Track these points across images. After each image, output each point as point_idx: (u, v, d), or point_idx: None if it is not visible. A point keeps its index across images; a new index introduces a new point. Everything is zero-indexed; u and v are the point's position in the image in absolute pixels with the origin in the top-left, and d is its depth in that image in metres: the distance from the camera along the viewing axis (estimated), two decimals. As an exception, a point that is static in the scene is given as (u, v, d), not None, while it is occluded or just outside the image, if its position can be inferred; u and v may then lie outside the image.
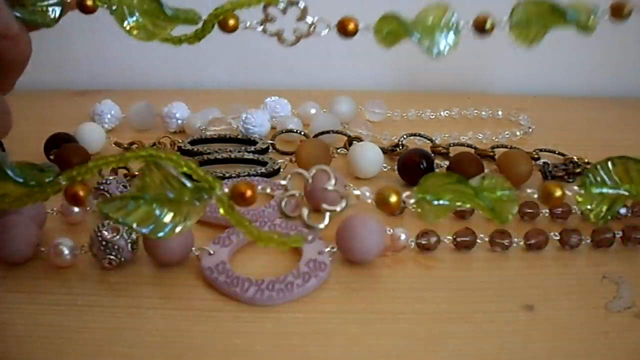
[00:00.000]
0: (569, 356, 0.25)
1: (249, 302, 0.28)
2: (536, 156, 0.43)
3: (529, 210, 0.35)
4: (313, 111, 0.50)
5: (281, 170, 0.42)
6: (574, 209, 0.35)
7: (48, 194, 0.24)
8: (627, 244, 0.33)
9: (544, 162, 0.41)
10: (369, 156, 0.40)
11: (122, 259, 0.30)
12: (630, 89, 0.61)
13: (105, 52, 0.61)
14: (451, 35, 0.27)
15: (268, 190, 0.23)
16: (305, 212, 0.22)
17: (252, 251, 0.32)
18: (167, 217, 0.23)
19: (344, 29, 0.27)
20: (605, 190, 0.24)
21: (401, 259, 0.32)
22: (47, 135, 0.42)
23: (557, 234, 0.33)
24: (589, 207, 0.24)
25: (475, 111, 0.53)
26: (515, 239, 0.32)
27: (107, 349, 0.25)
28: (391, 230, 0.32)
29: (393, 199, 0.23)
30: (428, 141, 0.46)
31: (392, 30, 0.27)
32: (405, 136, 0.45)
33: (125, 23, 0.27)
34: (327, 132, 0.45)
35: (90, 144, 0.43)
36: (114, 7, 0.27)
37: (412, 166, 0.39)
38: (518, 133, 0.49)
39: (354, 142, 0.44)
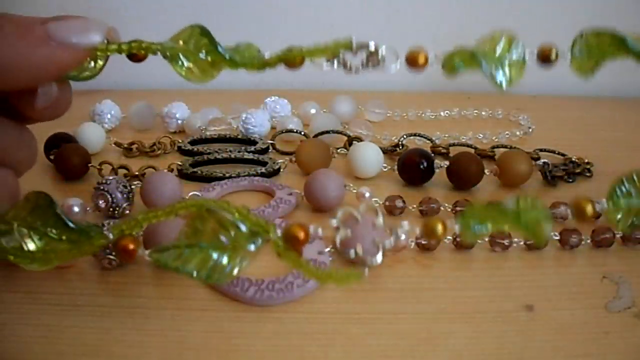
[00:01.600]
0: (569, 356, 0.25)
1: (249, 302, 0.28)
2: (536, 156, 0.44)
3: (529, 210, 0.35)
4: (313, 111, 0.50)
5: (281, 170, 0.42)
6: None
7: (95, 247, 0.23)
8: (627, 244, 0.33)
9: (544, 162, 0.41)
10: (369, 156, 0.40)
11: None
12: (630, 89, 0.61)
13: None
14: (518, 65, 0.28)
15: (320, 232, 0.23)
16: (360, 249, 0.22)
17: (252, 251, 0.32)
18: (224, 260, 0.22)
19: (414, 62, 0.28)
20: (633, 201, 0.25)
21: (401, 259, 0.32)
22: (47, 135, 0.42)
23: (557, 234, 0.33)
24: (617, 217, 0.26)
25: (475, 111, 0.53)
26: (515, 239, 0.32)
27: (107, 349, 0.25)
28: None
29: (439, 229, 0.23)
30: (428, 141, 0.46)
31: (463, 61, 0.28)
32: (405, 136, 0.45)
33: (181, 68, 0.27)
34: (327, 132, 0.45)
35: (90, 144, 0.43)
36: (167, 53, 0.26)
37: (412, 166, 0.39)
38: (518, 133, 0.49)
39: (354, 142, 0.44)
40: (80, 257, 0.23)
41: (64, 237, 0.23)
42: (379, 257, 0.23)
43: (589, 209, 0.24)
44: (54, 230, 0.23)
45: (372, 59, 0.27)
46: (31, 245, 0.23)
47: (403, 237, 0.31)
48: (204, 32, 0.26)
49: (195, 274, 0.22)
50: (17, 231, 0.23)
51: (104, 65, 0.27)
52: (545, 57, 0.28)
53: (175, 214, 0.23)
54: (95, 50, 0.25)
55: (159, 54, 0.26)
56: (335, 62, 0.27)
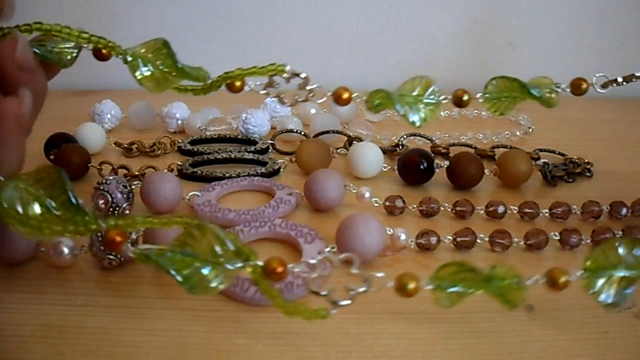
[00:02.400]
0: (569, 356, 0.25)
1: (249, 302, 0.28)
2: (536, 156, 0.44)
3: (529, 210, 0.35)
4: (313, 111, 0.50)
5: (281, 170, 0.42)
6: (574, 208, 0.35)
7: (87, 230, 0.24)
8: (627, 244, 0.33)
9: (544, 162, 0.41)
10: (369, 156, 0.40)
11: (122, 259, 0.30)
12: (630, 89, 0.61)
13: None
14: (432, 107, 0.31)
15: (296, 270, 0.24)
16: (329, 291, 0.24)
17: (252, 251, 0.32)
18: (206, 271, 0.23)
19: (339, 98, 0.30)
20: (611, 272, 0.25)
21: (401, 259, 0.32)
22: (47, 135, 0.42)
23: (557, 234, 0.33)
24: (594, 290, 0.25)
25: (475, 111, 0.53)
26: (515, 239, 0.32)
27: (107, 349, 0.25)
28: (391, 230, 0.32)
29: (411, 286, 0.24)
30: (428, 141, 0.46)
31: (381, 102, 0.30)
32: (405, 136, 0.45)
33: (138, 73, 0.28)
34: (327, 132, 0.45)
35: (90, 144, 0.43)
36: (128, 58, 0.28)
37: (412, 166, 0.39)
38: (518, 133, 0.49)
39: (354, 142, 0.44)
40: (70, 235, 0.24)
41: (61, 213, 0.24)
42: (347, 300, 0.24)
43: (562, 280, 0.25)
44: (54, 203, 0.24)
45: (305, 94, 0.30)
46: (30, 210, 0.23)
47: (403, 237, 0.32)
48: (166, 44, 0.28)
49: (173, 272, 0.23)
50: (23, 192, 0.24)
51: (76, 56, 0.29)
52: (457, 101, 0.31)
53: (170, 225, 0.24)
54: (65, 32, 0.28)
55: (120, 56, 0.28)
56: (272, 94, 0.29)
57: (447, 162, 0.40)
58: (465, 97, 0.30)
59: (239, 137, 0.46)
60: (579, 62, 0.61)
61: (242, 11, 0.60)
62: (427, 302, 0.28)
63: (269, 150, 0.45)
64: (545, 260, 0.32)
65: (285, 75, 0.29)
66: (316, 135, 0.45)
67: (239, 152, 0.43)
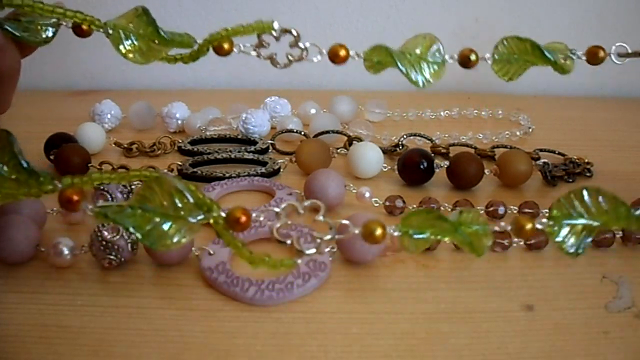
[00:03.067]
0: (569, 356, 0.25)
1: (249, 302, 0.28)
2: (536, 156, 0.44)
3: (529, 210, 0.35)
4: (313, 111, 0.50)
5: (281, 170, 0.42)
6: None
7: (42, 191, 0.24)
8: (627, 244, 0.33)
9: (544, 162, 0.41)
10: (369, 156, 0.40)
11: (122, 259, 0.30)
12: (630, 89, 0.61)
13: (105, 52, 0.61)
14: (436, 66, 0.29)
15: (262, 218, 0.23)
16: (296, 238, 0.23)
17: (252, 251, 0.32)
18: (166, 226, 0.23)
19: (336, 55, 0.29)
20: (575, 222, 0.25)
21: (401, 259, 0.32)
22: (47, 135, 0.42)
23: (557, 234, 0.33)
24: (559, 239, 0.25)
25: (475, 111, 0.53)
26: (515, 239, 0.32)
27: (107, 349, 0.25)
28: (391, 230, 0.32)
29: (378, 232, 0.24)
30: (428, 141, 0.46)
31: (381, 60, 0.28)
32: (405, 136, 0.45)
33: (121, 46, 0.27)
34: (327, 132, 0.45)
35: (90, 144, 0.43)
36: (110, 31, 0.27)
37: (412, 166, 0.39)
38: (518, 133, 0.49)
39: (354, 142, 0.44)
40: (26, 198, 0.23)
41: (14, 176, 0.24)
42: (312, 249, 0.23)
43: (528, 226, 0.25)
44: (5, 168, 0.24)
45: (297, 52, 0.28)
46: None
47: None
48: (145, 12, 0.27)
49: (132, 229, 0.23)
50: None
51: (54, 35, 0.28)
52: (464, 60, 0.29)
53: (129, 180, 0.24)
54: (37, 7, 0.26)
55: (101, 30, 0.27)
56: (263, 53, 0.28)
57: (447, 162, 0.40)
58: (473, 57, 0.29)
59: (239, 137, 0.46)
60: (579, 62, 0.61)
61: (242, 11, 0.60)
62: (428, 302, 0.28)
63: (269, 150, 0.45)
64: (545, 260, 0.32)
65: (274, 33, 0.28)
66: (316, 135, 0.45)
67: (239, 152, 0.43)
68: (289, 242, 0.23)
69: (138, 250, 0.31)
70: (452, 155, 0.41)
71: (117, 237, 0.29)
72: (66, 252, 0.30)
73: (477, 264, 0.32)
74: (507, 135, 0.48)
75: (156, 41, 0.27)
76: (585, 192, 0.25)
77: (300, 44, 0.28)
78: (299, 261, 0.23)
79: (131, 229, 0.23)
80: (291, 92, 0.53)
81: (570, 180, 0.41)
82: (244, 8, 0.60)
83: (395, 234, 0.24)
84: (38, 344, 0.25)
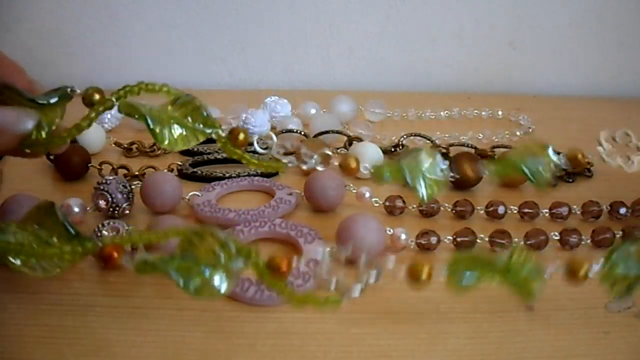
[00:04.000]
0: (569, 356, 0.25)
1: (249, 302, 0.28)
2: (536, 156, 0.43)
3: (529, 210, 0.35)
4: (313, 111, 0.50)
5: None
6: (574, 208, 0.35)
7: (87, 253, 0.24)
8: (627, 244, 0.33)
9: (544, 162, 0.41)
10: (369, 156, 0.40)
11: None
12: (630, 89, 0.61)
13: (105, 52, 0.61)
14: (439, 182, 0.30)
15: (302, 267, 0.25)
16: (335, 282, 0.23)
17: (252, 251, 0.32)
18: (207, 273, 0.23)
19: (348, 169, 0.30)
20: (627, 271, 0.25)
21: (401, 259, 0.32)
22: (47, 135, 0.42)
23: (557, 234, 0.33)
24: (610, 285, 0.25)
25: (475, 111, 0.53)
26: (515, 239, 0.32)
27: (107, 349, 0.25)
28: (391, 230, 0.32)
29: (424, 274, 0.24)
30: (428, 141, 0.46)
31: (390, 173, 0.30)
32: (405, 136, 0.45)
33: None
34: (327, 132, 0.45)
35: (90, 144, 0.43)
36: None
37: (412, 166, 0.39)
38: (518, 133, 0.49)
39: (354, 142, 0.44)
40: (70, 258, 0.24)
41: (60, 244, 0.24)
42: (357, 289, 0.23)
43: (582, 272, 0.25)
44: (55, 239, 0.24)
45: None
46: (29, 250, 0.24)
47: (403, 237, 0.32)
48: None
49: (175, 276, 0.23)
50: (20, 235, 0.24)
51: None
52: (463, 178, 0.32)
53: (166, 238, 0.24)
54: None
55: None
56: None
57: (446, 162, 0.39)
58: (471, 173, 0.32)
59: (239, 137, 0.46)
60: (579, 62, 0.61)
61: (241, 11, 0.60)
62: (427, 302, 0.28)
63: (269, 150, 0.45)
64: (545, 261, 0.32)
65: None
66: (316, 135, 0.45)
67: (239, 152, 0.43)
68: (333, 287, 0.23)
69: (138, 250, 0.31)
70: (452, 155, 0.41)
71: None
72: (66, 252, 0.30)
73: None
74: (507, 135, 0.48)
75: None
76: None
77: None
78: (344, 297, 0.23)
79: (173, 275, 0.23)
80: (291, 92, 0.53)
81: (570, 180, 0.41)
82: (244, 8, 0.60)
83: (442, 278, 0.24)
84: (38, 344, 0.25)
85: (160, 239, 0.24)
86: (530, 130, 0.49)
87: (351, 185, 0.37)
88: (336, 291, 0.23)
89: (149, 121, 0.25)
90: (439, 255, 0.32)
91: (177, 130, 0.26)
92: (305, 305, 0.23)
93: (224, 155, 0.43)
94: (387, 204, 0.36)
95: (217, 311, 0.28)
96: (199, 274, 0.23)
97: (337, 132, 0.45)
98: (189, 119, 0.26)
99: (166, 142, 0.25)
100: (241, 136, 0.27)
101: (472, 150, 0.44)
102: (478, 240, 0.32)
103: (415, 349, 0.26)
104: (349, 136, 0.45)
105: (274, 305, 0.28)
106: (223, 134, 0.27)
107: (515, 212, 0.36)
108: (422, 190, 0.29)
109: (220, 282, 0.23)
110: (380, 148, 0.41)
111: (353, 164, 0.29)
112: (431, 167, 0.30)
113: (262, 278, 0.23)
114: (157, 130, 0.25)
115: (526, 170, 0.29)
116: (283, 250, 0.32)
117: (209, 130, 0.26)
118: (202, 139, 0.27)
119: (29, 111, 0.26)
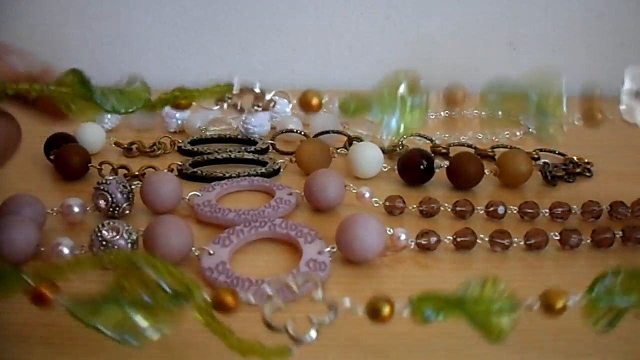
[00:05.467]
0: (569, 356, 0.25)
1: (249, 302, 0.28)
2: (536, 156, 0.44)
3: (529, 210, 0.35)
4: (313, 111, 0.50)
5: (281, 170, 0.42)
6: (574, 208, 0.35)
7: (14, 292, 0.23)
8: (627, 244, 0.33)
9: (544, 162, 0.41)
10: (369, 156, 0.40)
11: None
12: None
13: (105, 52, 0.61)
14: (418, 111, 0.27)
15: (251, 300, 0.22)
16: (291, 325, 0.21)
17: (252, 251, 0.32)
18: (143, 322, 0.21)
19: (307, 105, 0.27)
20: (610, 302, 0.23)
21: (401, 259, 0.32)
22: (47, 135, 0.42)
23: (557, 234, 0.33)
24: (593, 318, 0.23)
25: (475, 111, 0.53)
26: (515, 239, 0.32)
27: (107, 349, 0.25)
28: (391, 230, 0.32)
29: (385, 311, 0.22)
30: (428, 141, 0.46)
31: (356, 107, 0.27)
32: (405, 136, 0.45)
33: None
34: (327, 132, 0.45)
35: (90, 144, 0.43)
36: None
37: (412, 166, 0.39)
38: (518, 133, 0.49)
39: (354, 142, 0.44)
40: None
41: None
42: (312, 334, 0.21)
43: (559, 304, 0.23)
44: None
45: (261, 102, 0.27)
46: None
47: (403, 237, 0.32)
48: (83, 80, 0.26)
49: (106, 330, 0.21)
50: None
51: None
52: (451, 99, 0.27)
53: (101, 265, 0.23)
54: None
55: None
56: (225, 104, 0.27)
57: (447, 162, 0.40)
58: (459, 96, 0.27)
59: (239, 137, 0.46)
60: (579, 62, 0.61)
61: (241, 11, 0.60)
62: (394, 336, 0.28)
63: (269, 150, 0.45)
64: (546, 260, 0.32)
65: (234, 91, 0.27)
66: (316, 135, 0.45)
67: (239, 152, 0.43)
68: (283, 328, 0.21)
69: (138, 250, 0.31)
70: (452, 155, 0.41)
71: (117, 237, 0.29)
72: (66, 252, 0.30)
73: (477, 264, 0.32)
74: (507, 135, 0.48)
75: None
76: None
77: (267, 97, 0.27)
78: (295, 350, 0.21)
79: (106, 331, 0.21)
80: (291, 92, 0.53)
81: (570, 180, 0.41)
82: (243, 8, 0.60)
83: (406, 310, 0.22)
84: (38, 344, 0.25)
85: (93, 266, 0.23)
86: (530, 130, 0.49)
87: (351, 185, 0.37)
88: (288, 335, 0.21)
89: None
90: (439, 255, 0.32)
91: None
92: (253, 355, 0.21)
93: (224, 155, 0.43)
94: (387, 204, 0.36)
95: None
96: (131, 323, 0.21)
97: (337, 132, 0.45)
98: None
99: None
100: None
101: (472, 150, 0.44)
102: (478, 241, 0.32)
103: (415, 349, 0.25)
104: (349, 136, 0.45)
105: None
106: None
107: (515, 212, 0.36)
108: (394, 124, 0.26)
109: (156, 328, 0.21)
110: (380, 148, 0.41)
111: (314, 100, 0.27)
112: (405, 96, 0.26)
113: (205, 321, 0.22)
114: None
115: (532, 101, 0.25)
116: (283, 251, 0.32)
117: None
118: None
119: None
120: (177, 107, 0.27)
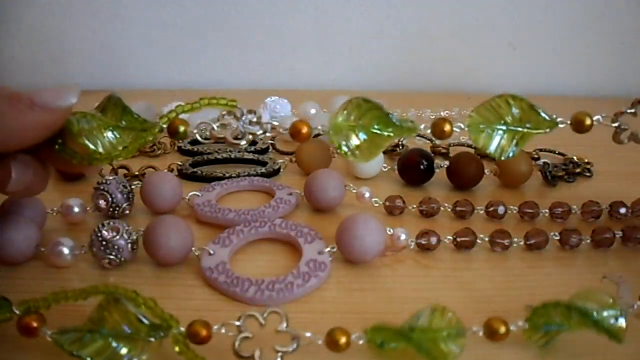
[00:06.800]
0: (569, 356, 0.25)
1: (249, 302, 0.28)
2: (536, 156, 0.44)
3: (529, 210, 0.35)
4: (313, 111, 0.50)
5: (281, 170, 0.42)
6: (574, 208, 0.35)
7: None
8: (627, 244, 0.33)
9: (544, 162, 0.41)
10: (369, 156, 0.40)
11: (122, 259, 0.30)
12: (630, 89, 0.61)
13: (105, 53, 0.61)
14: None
15: (223, 331, 0.24)
16: (257, 353, 0.23)
17: (252, 251, 0.32)
18: (123, 351, 0.23)
19: (297, 134, 0.28)
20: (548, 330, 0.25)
21: (401, 259, 0.32)
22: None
23: (557, 234, 0.33)
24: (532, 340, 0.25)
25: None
26: (515, 239, 0.32)
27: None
28: (391, 230, 0.32)
29: (342, 341, 0.23)
30: (428, 141, 0.46)
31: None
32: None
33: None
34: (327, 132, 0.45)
35: (90, 144, 0.43)
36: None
37: (412, 166, 0.39)
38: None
39: (354, 142, 0.44)
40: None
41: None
42: None
43: (502, 329, 0.25)
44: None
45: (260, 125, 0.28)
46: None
47: (403, 237, 0.32)
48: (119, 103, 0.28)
49: (89, 359, 0.23)
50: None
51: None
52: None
53: (86, 297, 0.24)
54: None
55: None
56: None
57: (447, 162, 0.40)
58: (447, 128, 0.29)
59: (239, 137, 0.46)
60: (579, 62, 0.61)
61: (242, 12, 0.60)
62: (428, 301, 0.28)
63: (269, 150, 0.45)
64: (546, 260, 0.32)
65: (238, 113, 0.28)
66: (316, 135, 0.45)
67: (239, 152, 0.43)
68: (250, 355, 0.23)
69: (138, 250, 0.31)
70: (452, 155, 0.41)
71: (117, 237, 0.30)
72: (66, 252, 0.30)
73: (477, 264, 0.32)
74: (507, 135, 0.48)
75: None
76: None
77: (264, 122, 0.28)
78: None
79: (85, 357, 0.23)
80: (291, 92, 0.53)
81: (570, 180, 0.41)
82: (243, 8, 0.60)
83: (360, 342, 0.23)
84: (39, 344, 0.25)
85: (77, 298, 0.24)
86: (530, 130, 0.49)
87: (351, 185, 0.37)
88: (295, 247, 0.22)
89: None
90: (439, 255, 0.32)
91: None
92: None
93: (224, 155, 0.43)
94: (387, 204, 0.36)
95: (217, 311, 0.28)
96: (113, 352, 0.23)
97: (337, 132, 0.45)
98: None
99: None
100: (181, 129, 0.28)
101: (472, 150, 0.44)
102: (478, 241, 0.32)
103: None
104: (349, 136, 0.45)
105: (274, 305, 0.28)
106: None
107: (515, 212, 0.36)
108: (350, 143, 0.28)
109: (135, 357, 0.23)
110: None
111: (304, 129, 0.27)
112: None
113: (182, 352, 0.23)
114: None
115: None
116: (283, 251, 0.32)
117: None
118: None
119: (70, 85, 0.26)
120: (172, 135, 0.28)
